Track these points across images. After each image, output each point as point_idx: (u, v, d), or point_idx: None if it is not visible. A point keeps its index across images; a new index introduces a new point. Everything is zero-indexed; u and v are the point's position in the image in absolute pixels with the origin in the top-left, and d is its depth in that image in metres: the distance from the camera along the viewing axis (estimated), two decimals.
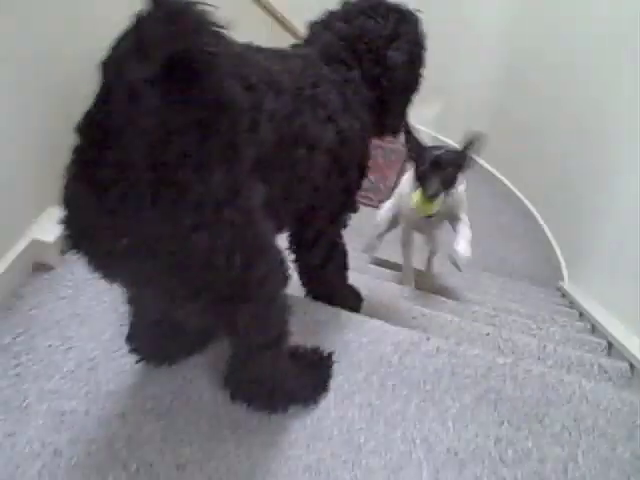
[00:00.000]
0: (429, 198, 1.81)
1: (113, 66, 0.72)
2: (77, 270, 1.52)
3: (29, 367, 1.33)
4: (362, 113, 1.29)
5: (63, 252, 1.54)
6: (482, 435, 1.29)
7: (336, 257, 1.51)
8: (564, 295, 2.96)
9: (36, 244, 1.48)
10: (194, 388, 1.33)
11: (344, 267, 1.57)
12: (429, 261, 2.61)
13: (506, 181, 4.01)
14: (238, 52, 1.00)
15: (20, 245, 1.46)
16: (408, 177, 2.16)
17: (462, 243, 1.98)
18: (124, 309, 1.41)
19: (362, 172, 1.39)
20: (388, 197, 3.57)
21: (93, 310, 1.45)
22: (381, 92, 1.36)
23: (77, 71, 1.32)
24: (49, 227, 1.49)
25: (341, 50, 1.30)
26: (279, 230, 1.27)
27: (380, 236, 2.55)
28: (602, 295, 2.44)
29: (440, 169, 1.83)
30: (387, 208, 2.48)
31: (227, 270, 0.87)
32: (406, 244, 2.30)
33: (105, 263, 0.90)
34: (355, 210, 1.44)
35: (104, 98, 0.73)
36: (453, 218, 2.09)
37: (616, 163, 2.52)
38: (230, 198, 0.85)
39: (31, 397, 1.28)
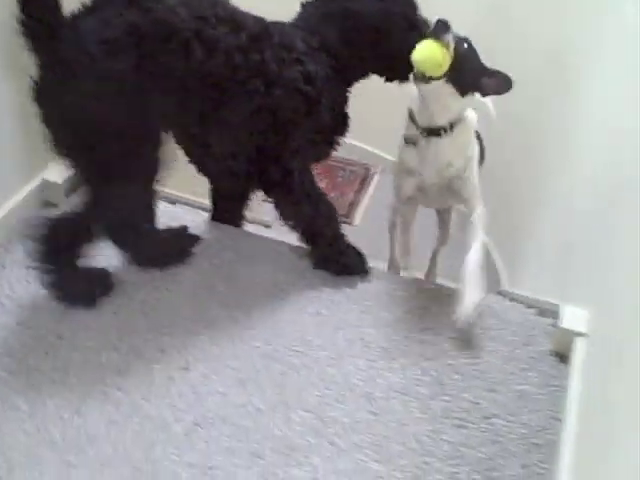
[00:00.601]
0: (435, 34, 1.45)
1: None
2: None
3: (37, 274, 1.60)
4: (325, 59, 1.53)
5: (67, 194, 1.83)
6: (410, 338, 1.59)
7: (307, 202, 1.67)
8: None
9: (46, 184, 1.76)
10: (175, 296, 1.62)
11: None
12: (434, 257, 2.16)
13: None
14: None
15: (33, 184, 1.75)
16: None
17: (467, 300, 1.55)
18: None
19: (339, 117, 1.63)
20: (345, 212, 3.86)
21: None
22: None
23: None
24: (58, 171, 1.78)
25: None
26: (239, 152, 1.59)
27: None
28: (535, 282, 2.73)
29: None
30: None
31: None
32: (396, 224, 1.87)
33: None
34: (327, 154, 1.71)
35: None
36: (460, 190, 1.68)
37: (548, 168, 2.80)
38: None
39: (39, 298, 1.56)
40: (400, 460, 1.36)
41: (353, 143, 3.41)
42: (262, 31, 1.45)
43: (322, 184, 3.97)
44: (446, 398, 1.48)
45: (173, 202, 2.02)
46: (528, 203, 2.83)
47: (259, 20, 1.48)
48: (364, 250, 1.78)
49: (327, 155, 1.73)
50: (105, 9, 1.29)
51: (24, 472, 1.27)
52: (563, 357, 1.58)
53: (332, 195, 4.00)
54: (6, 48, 1.34)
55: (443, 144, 1.61)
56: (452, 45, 1.46)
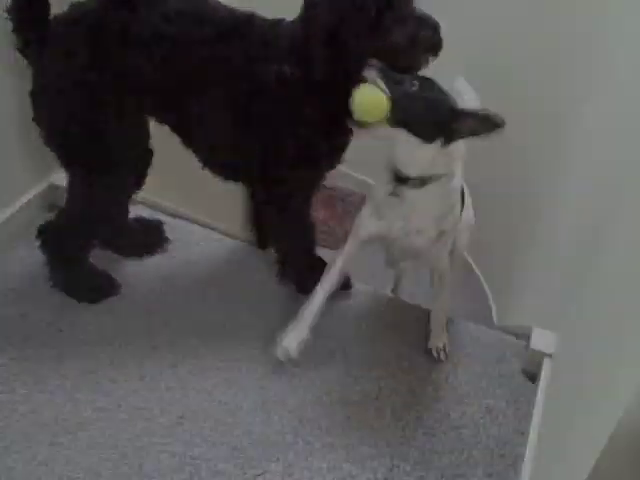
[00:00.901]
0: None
1: None
2: None
3: (40, 270, 1.70)
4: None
5: None
6: (387, 350, 1.68)
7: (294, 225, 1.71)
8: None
9: (52, 188, 1.87)
10: (169, 299, 1.72)
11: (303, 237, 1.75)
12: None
13: None
14: None
15: (40, 187, 1.86)
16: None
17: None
18: None
19: (330, 132, 1.47)
20: (341, 239, 3.95)
21: None
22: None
23: None
24: (64, 175, 1.89)
25: None
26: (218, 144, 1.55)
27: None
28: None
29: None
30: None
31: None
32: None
33: None
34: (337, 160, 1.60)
35: None
36: (427, 259, 1.55)
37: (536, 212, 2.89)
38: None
39: (41, 293, 1.66)
40: (371, 462, 1.45)
41: (352, 174, 3.52)
42: (235, 26, 1.41)
43: (320, 214, 4.11)
44: (418, 408, 1.56)
45: (174, 216, 2.11)
46: (515, 243, 2.93)
47: (239, 16, 1.43)
48: (357, 273, 1.82)
49: (338, 160, 1.61)
50: (76, 11, 1.41)
51: (18, 451, 1.35)
52: (532, 376, 1.67)
53: (330, 224, 4.13)
54: (13, 52, 1.44)
55: (411, 202, 1.38)
56: (381, 86, 1.25)
